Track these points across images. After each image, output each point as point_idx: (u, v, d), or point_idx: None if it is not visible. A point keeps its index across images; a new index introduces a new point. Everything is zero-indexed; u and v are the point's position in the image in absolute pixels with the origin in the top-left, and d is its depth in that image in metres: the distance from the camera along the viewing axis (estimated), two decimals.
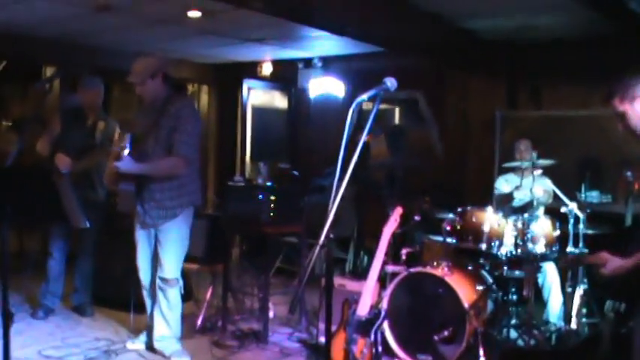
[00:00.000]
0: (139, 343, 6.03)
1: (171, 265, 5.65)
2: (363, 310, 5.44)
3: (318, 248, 3.11)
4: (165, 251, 5.62)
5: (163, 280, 5.66)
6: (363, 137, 3.24)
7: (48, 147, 6.61)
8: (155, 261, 5.75)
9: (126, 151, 5.29)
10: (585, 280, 6.30)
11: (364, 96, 3.38)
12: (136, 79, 5.53)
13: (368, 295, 5.48)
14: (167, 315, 5.75)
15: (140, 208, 5.61)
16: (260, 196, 6.66)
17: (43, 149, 6.62)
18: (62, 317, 6.84)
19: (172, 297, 5.73)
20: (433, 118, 9.20)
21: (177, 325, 5.83)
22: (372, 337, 5.33)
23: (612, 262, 4.05)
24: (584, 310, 6.33)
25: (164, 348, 5.79)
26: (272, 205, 6.64)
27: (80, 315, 6.91)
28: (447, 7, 6.87)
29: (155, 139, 5.54)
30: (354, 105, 3.31)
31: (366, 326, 5.38)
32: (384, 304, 5.87)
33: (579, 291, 6.30)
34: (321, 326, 5.21)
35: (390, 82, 3.38)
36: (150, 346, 5.95)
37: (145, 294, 5.97)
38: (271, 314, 6.69)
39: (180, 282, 5.81)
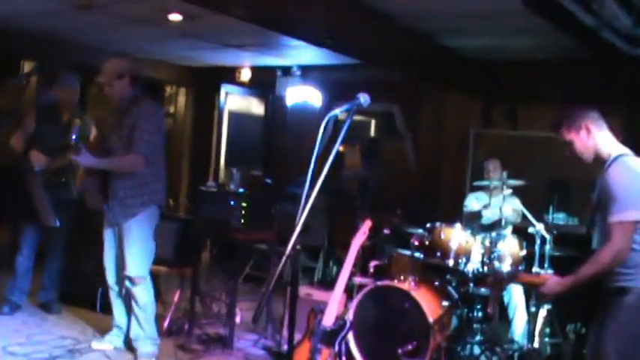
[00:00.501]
0: (104, 343, 6.02)
1: (135, 263, 5.66)
2: (328, 320, 5.47)
3: (285, 257, 3.14)
4: (127, 249, 5.66)
5: (129, 278, 5.69)
6: (336, 147, 3.27)
7: (22, 143, 6.60)
8: (121, 260, 5.77)
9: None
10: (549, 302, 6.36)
11: (337, 110, 3.42)
12: (103, 79, 5.67)
13: (334, 305, 5.52)
14: (138, 314, 5.76)
15: (105, 206, 5.69)
16: (232, 202, 6.70)
17: (17, 145, 6.61)
18: (29, 314, 6.81)
19: (140, 296, 5.73)
20: (408, 131, 9.27)
21: (149, 325, 5.82)
22: (337, 347, 5.37)
23: (550, 282, 4.23)
24: (547, 330, 6.40)
25: (137, 347, 5.81)
26: (243, 212, 6.68)
27: (47, 312, 6.88)
28: (427, 24, 6.94)
29: (119, 137, 5.64)
30: (326, 118, 3.35)
31: (330, 336, 5.41)
32: (350, 316, 5.91)
33: (543, 311, 6.35)
34: (287, 334, 5.24)
35: (364, 98, 3.42)
36: (128, 345, 5.97)
37: (112, 293, 5.99)
38: (238, 320, 6.70)
39: (149, 281, 5.82)
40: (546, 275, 4.41)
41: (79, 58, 9.46)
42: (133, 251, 5.65)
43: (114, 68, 5.66)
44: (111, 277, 5.92)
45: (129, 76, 5.67)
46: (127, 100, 5.72)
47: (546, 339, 6.37)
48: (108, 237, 5.85)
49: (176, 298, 6.82)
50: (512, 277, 4.55)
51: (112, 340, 6.04)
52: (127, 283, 5.71)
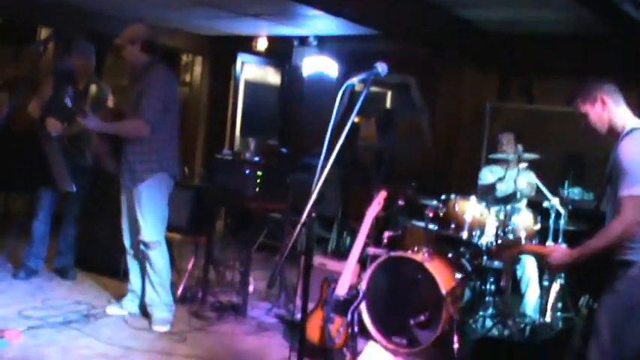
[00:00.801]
0: (119, 308, 6.08)
1: (148, 227, 5.72)
2: (341, 290, 5.51)
3: (300, 226, 3.16)
4: (140, 214, 5.72)
5: (144, 243, 5.75)
6: (351, 118, 3.27)
7: (39, 110, 6.63)
8: (135, 225, 5.83)
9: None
10: (562, 275, 6.36)
11: (354, 79, 3.41)
12: (120, 41, 5.77)
13: (347, 275, 5.55)
14: (152, 279, 5.83)
15: (122, 169, 5.80)
16: (247, 171, 6.71)
17: (34, 112, 6.64)
18: (44, 279, 6.86)
19: (155, 261, 5.79)
20: (424, 104, 9.24)
21: (164, 290, 5.89)
22: (349, 317, 5.41)
23: (557, 253, 4.20)
24: (559, 305, 6.40)
25: (152, 312, 5.87)
26: (258, 181, 6.68)
27: (62, 277, 6.93)
28: None
29: (129, 103, 5.76)
30: (343, 87, 3.35)
31: (343, 306, 5.45)
32: (363, 286, 5.93)
33: (555, 285, 6.35)
34: (300, 303, 5.28)
35: (381, 67, 3.41)
36: (143, 310, 6.04)
37: (128, 257, 6.06)
38: (251, 289, 6.74)
39: (164, 246, 5.87)
40: (554, 246, 4.37)
41: (95, 26, 9.47)
42: (145, 216, 5.71)
43: (129, 33, 5.74)
44: (127, 241, 6.00)
45: (140, 42, 5.71)
46: (140, 66, 5.79)
47: (558, 313, 6.38)
48: (124, 201, 5.92)
49: (190, 265, 6.85)
50: (517, 244, 4.51)
51: (127, 306, 6.10)
52: (142, 247, 5.78)
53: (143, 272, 5.96)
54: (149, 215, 5.73)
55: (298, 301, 6.19)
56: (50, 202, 6.83)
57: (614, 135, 4.07)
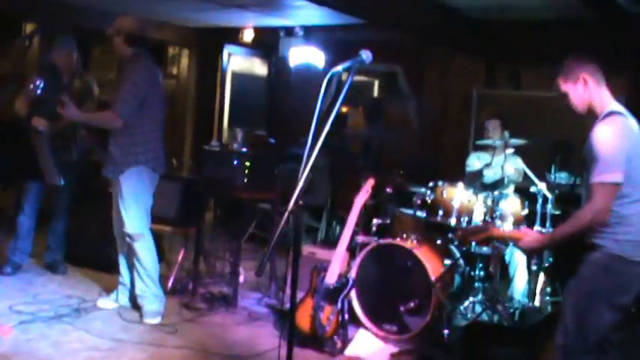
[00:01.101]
0: (110, 301, 6.11)
1: (129, 219, 5.75)
2: (331, 278, 5.54)
3: (287, 214, 3.17)
4: (122, 206, 5.75)
5: (128, 235, 5.78)
6: (336, 107, 3.27)
7: (26, 107, 6.59)
8: (119, 217, 5.87)
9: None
10: (550, 260, 6.40)
11: (339, 67, 3.40)
12: (109, 31, 5.79)
13: (337, 263, 5.59)
14: (140, 271, 5.85)
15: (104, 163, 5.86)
16: (235, 162, 6.72)
17: (21, 109, 6.60)
18: (34, 274, 6.88)
19: (140, 252, 5.81)
20: (411, 92, 9.26)
21: (152, 282, 5.90)
22: (339, 305, 5.45)
23: (528, 237, 4.14)
24: (548, 289, 6.45)
25: (143, 304, 5.90)
26: (246, 171, 6.69)
27: (52, 272, 6.93)
28: None
29: (113, 94, 5.78)
30: (328, 75, 3.35)
31: (333, 294, 5.49)
32: (353, 273, 5.96)
33: (544, 269, 6.40)
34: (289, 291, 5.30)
35: (366, 55, 3.41)
36: (134, 303, 6.06)
37: (119, 250, 6.08)
38: (241, 279, 6.75)
39: (148, 238, 5.88)
40: (525, 230, 4.34)
41: (81, 20, 9.45)
42: (126, 208, 5.73)
43: (116, 24, 5.75)
44: (116, 231, 6.01)
45: (124, 35, 5.71)
46: (125, 58, 5.83)
47: (547, 297, 6.42)
48: (113, 192, 5.93)
49: (180, 257, 6.87)
50: (484, 230, 4.47)
51: (118, 298, 6.12)
52: (127, 239, 5.81)
53: (131, 265, 5.97)
54: (130, 207, 5.74)
55: (289, 291, 6.21)
56: (36, 196, 6.82)
57: (592, 116, 4.02)
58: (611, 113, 3.93)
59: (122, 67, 5.83)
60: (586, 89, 4.01)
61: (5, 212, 6.97)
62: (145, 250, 5.85)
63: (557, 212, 6.38)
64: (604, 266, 3.85)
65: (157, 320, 5.85)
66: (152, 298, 5.89)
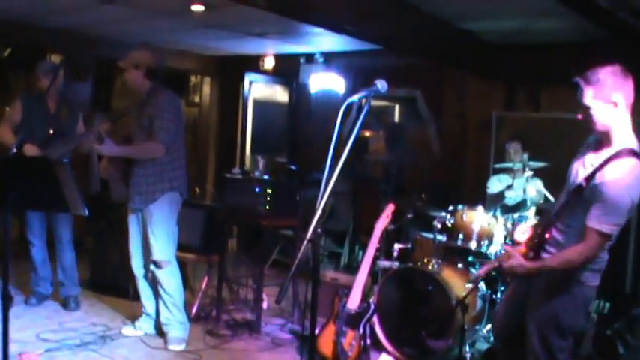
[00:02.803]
0: (134, 329, 6.18)
1: (159, 247, 5.82)
2: (353, 303, 5.57)
3: (305, 242, 3.21)
4: (151, 234, 5.82)
5: (155, 262, 5.85)
6: (355, 133, 3.32)
7: (11, 135, 6.50)
8: (146, 245, 5.93)
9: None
10: None
11: (355, 97, 3.45)
12: (123, 64, 5.84)
13: (359, 289, 5.61)
14: (165, 299, 5.91)
15: (128, 193, 5.87)
16: (256, 189, 6.77)
17: (7, 138, 6.51)
18: (60, 302, 6.95)
19: (166, 280, 5.88)
20: (431, 116, 9.29)
21: (177, 309, 5.96)
22: (361, 329, 5.46)
23: (513, 260, 3.98)
24: None
25: (168, 331, 5.96)
26: (268, 198, 6.75)
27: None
28: (446, 8, 6.96)
29: (139, 126, 5.82)
30: (345, 105, 3.40)
31: (355, 319, 5.50)
32: (375, 298, 5.99)
33: None
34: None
35: (381, 84, 3.45)
36: (159, 330, 6.14)
37: (138, 279, 6.15)
38: (265, 305, 6.80)
39: (175, 265, 5.95)
40: (510, 250, 4.15)
41: (103, 52, 9.60)
42: (156, 235, 5.80)
43: (134, 57, 5.81)
44: (136, 263, 6.09)
45: (145, 69, 5.79)
46: (144, 90, 5.87)
47: None
48: (132, 224, 6.01)
49: (204, 284, 6.93)
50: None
51: (142, 326, 6.19)
52: (153, 266, 5.87)
53: (156, 294, 6.03)
54: (161, 234, 5.82)
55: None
56: (40, 227, 6.80)
57: (604, 139, 3.79)
58: (630, 152, 3.67)
59: (144, 99, 5.84)
60: (614, 113, 3.71)
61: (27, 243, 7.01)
62: (171, 277, 5.91)
63: None
64: (566, 289, 3.87)
65: (181, 347, 5.90)
66: (177, 325, 5.95)
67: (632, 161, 3.64)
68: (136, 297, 6.41)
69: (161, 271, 5.85)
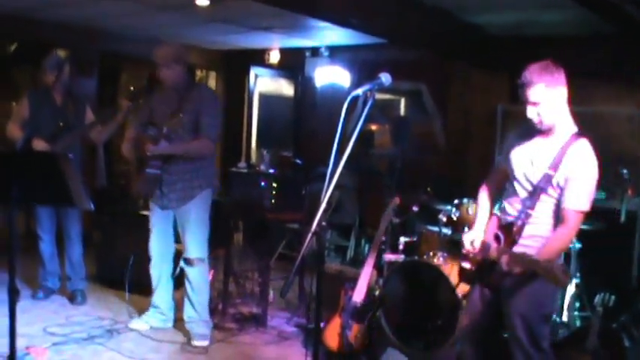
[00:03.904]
0: (141, 323, 6.20)
1: (193, 244, 5.81)
2: (358, 296, 5.58)
3: (310, 235, 3.22)
4: (185, 232, 5.81)
5: (187, 260, 5.85)
6: (359, 126, 3.33)
7: (19, 131, 6.56)
8: (168, 242, 6.01)
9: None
10: (578, 274, 6.38)
11: (359, 91, 3.46)
12: (163, 61, 5.69)
13: (364, 282, 5.62)
14: (192, 297, 5.91)
15: (159, 191, 5.77)
16: (262, 183, 6.78)
17: (14, 134, 6.58)
18: (67, 297, 6.98)
19: (196, 278, 5.88)
20: (436, 110, 9.29)
21: (202, 307, 5.97)
22: (367, 322, 5.48)
23: (508, 257, 3.95)
24: (576, 304, 6.43)
25: (191, 329, 5.95)
26: (274, 192, 6.75)
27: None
28: (451, 1, 6.95)
29: (180, 123, 5.65)
30: (349, 99, 3.41)
31: (361, 312, 5.52)
32: (380, 292, 5.99)
33: (572, 284, 6.38)
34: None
35: (385, 78, 3.46)
36: (175, 324, 6.21)
37: (154, 275, 6.14)
38: (271, 299, 6.80)
39: (206, 264, 5.98)
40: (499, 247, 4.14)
41: (109, 46, 9.61)
42: (193, 233, 5.80)
43: (171, 52, 5.74)
44: (158, 261, 6.09)
45: (184, 63, 5.77)
46: (182, 85, 5.79)
47: (575, 312, 6.40)
48: (158, 220, 5.97)
49: (210, 278, 6.93)
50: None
51: (149, 320, 6.21)
52: (183, 263, 5.88)
53: (174, 291, 6.09)
54: (198, 232, 5.82)
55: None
56: (50, 222, 6.84)
57: (546, 130, 3.95)
58: (579, 134, 3.93)
59: (181, 94, 5.73)
60: (562, 102, 3.92)
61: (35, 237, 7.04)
62: (201, 275, 5.92)
63: (584, 227, 6.35)
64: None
65: (205, 343, 5.89)
66: (201, 323, 5.96)
67: (585, 141, 3.89)
68: (143, 291, 6.42)
69: (193, 269, 5.85)
